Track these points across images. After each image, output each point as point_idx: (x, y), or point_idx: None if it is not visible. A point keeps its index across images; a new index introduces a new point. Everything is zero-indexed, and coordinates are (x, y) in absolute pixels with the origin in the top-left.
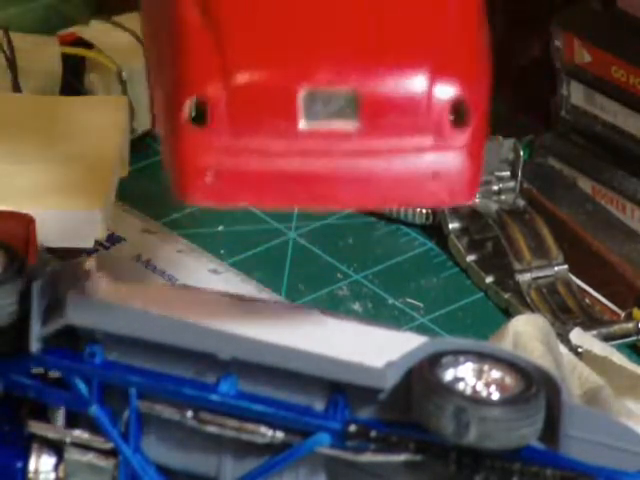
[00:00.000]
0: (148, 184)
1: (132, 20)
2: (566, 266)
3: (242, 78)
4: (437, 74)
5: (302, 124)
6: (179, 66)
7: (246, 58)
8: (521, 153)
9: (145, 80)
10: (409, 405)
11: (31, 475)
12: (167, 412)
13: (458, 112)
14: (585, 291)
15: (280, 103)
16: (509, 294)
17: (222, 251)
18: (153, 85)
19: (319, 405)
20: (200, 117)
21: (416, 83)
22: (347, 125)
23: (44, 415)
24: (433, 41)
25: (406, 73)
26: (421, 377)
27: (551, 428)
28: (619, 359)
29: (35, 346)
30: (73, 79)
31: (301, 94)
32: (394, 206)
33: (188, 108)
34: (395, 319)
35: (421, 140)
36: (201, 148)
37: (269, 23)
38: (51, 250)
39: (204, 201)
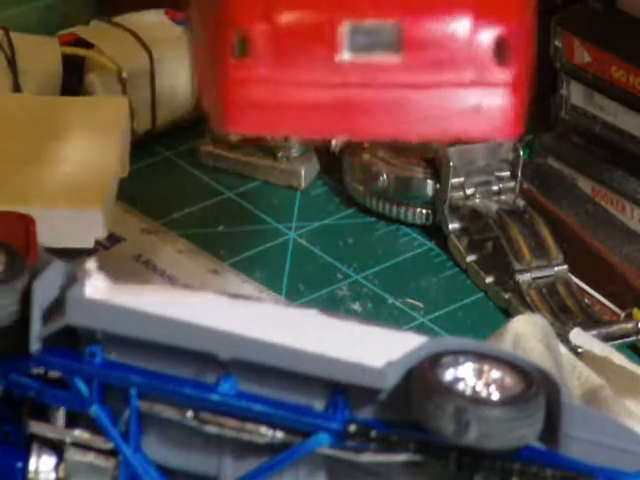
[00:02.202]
0: (148, 184)
1: (132, 20)
2: (566, 266)
3: (284, 13)
4: (480, 13)
5: (344, 56)
6: (225, 4)
7: None
8: (521, 153)
9: (145, 80)
10: (409, 405)
11: (31, 475)
12: (167, 412)
13: (501, 51)
14: (585, 291)
15: (321, 36)
16: (509, 294)
17: (222, 251)
18: (200, 26)
19: (319, 405)
20: (244, 51)
21: (459, 21)
22: (390, 58)
23: (44, 415)
24: None
25: (450, 11)
26: (421, 377)
27: (551, 428)
28: (619, 359)
29: (35, 346)
30: (73, 79)
31: (344, 27)
32: (434, 138)
33: (232, 41)
34: (395, 319)
35: (463, 75)
36: (243, 79)
37: None
38: (51, 250)
39: (246, 129)
